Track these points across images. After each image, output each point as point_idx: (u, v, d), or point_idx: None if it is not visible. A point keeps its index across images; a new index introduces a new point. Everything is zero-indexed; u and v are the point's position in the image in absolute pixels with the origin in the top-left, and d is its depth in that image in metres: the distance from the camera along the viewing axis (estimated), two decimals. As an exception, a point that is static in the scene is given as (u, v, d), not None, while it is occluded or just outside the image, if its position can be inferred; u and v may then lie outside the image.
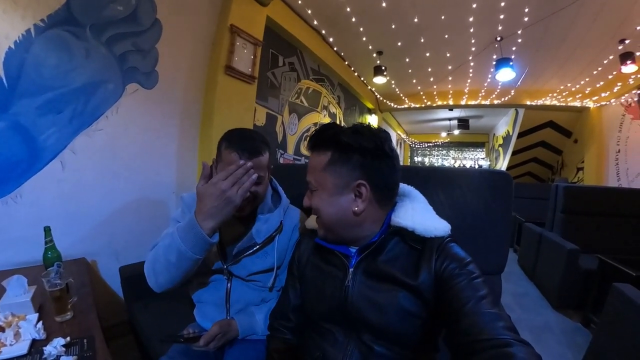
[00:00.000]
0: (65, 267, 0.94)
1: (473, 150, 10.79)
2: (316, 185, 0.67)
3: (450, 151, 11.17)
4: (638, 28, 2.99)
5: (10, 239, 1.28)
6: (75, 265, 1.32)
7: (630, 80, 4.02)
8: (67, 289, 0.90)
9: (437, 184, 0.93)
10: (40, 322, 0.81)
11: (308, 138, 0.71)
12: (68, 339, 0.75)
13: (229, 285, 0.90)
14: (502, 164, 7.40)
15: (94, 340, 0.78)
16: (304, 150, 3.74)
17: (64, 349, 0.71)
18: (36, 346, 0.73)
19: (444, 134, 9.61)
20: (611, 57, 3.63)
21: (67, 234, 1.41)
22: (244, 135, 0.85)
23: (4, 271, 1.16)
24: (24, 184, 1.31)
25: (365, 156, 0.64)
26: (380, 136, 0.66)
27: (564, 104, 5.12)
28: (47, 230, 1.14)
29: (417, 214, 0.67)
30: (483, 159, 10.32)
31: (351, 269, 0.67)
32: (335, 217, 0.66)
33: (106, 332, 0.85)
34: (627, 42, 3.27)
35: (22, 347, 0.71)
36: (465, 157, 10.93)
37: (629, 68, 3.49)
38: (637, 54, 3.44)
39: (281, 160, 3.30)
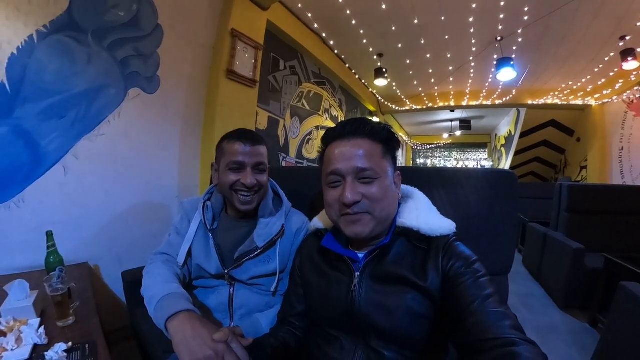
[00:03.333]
0: (67, 271, 0.94)
1: (475, 151, 10.75)
2: (379, 171, 0.64)
3: (453, 152, 11.14)
4: (638, 24, 2.98)
5: (13, 243, 1.28)
6: (78, 269, 1.32)
7: (632, 76, 4.01)
8: (69, 293, 0.89)
9: (440, 185, 0.92)
10: (42, 327, 0.80)
11: (348, 125, 0.67)
12: (70, 344, 0.74)
13: (231, 290, 0.89)
14: (505, 164, 7.36)
15: (95, 346, 0.77)
16: (306, 153, 3.75)
17: (65, 354, 0.71)
18: (38, 351, 0.73)
19: (445, 136, 9.58)
20: (612, 54, 3.62)
21: (69, 238, 1.41)
22: (242, 130, 0.90)
23: (6, 276, 1.15)
24: (26, 188, 1.31)
25: (397, 151, 0.71)
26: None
27: (565, 103, 5.11)
28: (49, 234, 1.14)
29: (422, 214, 0.67)
30: (485, 159, 10.28)
31: (357, 273, 0.66)
32: (391, 209, 0.68)
33: (108, 337, 0.84)
34: (627, 38, 3.27)
35: (24, 352, 0.71)
36: (467, 158, 10.89)
37: (630, 65, 3.47)
38: (638, 50, 3.43)
39: (283, 164, 3.30)
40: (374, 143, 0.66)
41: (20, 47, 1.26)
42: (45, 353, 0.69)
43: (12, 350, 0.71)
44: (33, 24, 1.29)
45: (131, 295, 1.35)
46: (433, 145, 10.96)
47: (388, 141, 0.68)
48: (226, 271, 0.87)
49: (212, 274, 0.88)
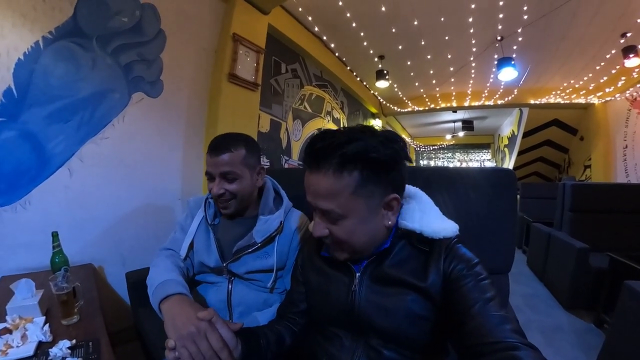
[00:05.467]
0: (72, 272, 0.96)
1: (478, 152, 10.70)
2: (343, 212, 0.58)
3: (456, 153, 11.09)
4: (639, 20, 2.97)
5: (19, 244, 1.30)
6: (82, 270, 1.34)
7: (634, 73, 3.98)
8: (73, 292, 0.91)
9: (440, 184, 0.92)
10: (47, 325, 0.82)
11: (311, 155, 0.58)
12: (74, 341, 0.76)
13: (230, 286, 0.91)
14: (508, 165, 7.32)
15: (99, 343, 0.79)
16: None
17: (69, 351, 0.72)
18: (42, 348, 0.74)
19: (448, 137, 9.55)
20: (613, 52, 3.61)
21: (74, 240, 1.43)
22: (214, 138, 0.90)
23: (13, 276, 1.17)
24: (32, 190, 1.34)
25: (395, 169, 0.59)
26: (402, 141, 0.62)
27: (568, 102, 5.08)
28: (54, 235, 1.16)
29: (425, 216, 0.66)
30: (489, 160, 10.23)
31: (358, 274, 0.66)
32: (370, 240, 0.63)
33: (112, 338, 0.85)
34: (628, 35, 3.25)
35: (29, 349, 0.72)
36: (471, 159, 10.84)
37: (632, 62, 3.46)
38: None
39: (286, 166, 3.31)
40: (344, 175, 0.56)
41: (27, 52, 1.29)
42: (50, 350, 0.71)
43: (17, 346, 0.73)
44: (39, 30, 1.32)
45: (135, 296, 1.36)
46: (436, 147, 10.93)
47: (372, 165, 0.56)
48: (224, 264, 0.89)
49: (211, 267, 0.91)
